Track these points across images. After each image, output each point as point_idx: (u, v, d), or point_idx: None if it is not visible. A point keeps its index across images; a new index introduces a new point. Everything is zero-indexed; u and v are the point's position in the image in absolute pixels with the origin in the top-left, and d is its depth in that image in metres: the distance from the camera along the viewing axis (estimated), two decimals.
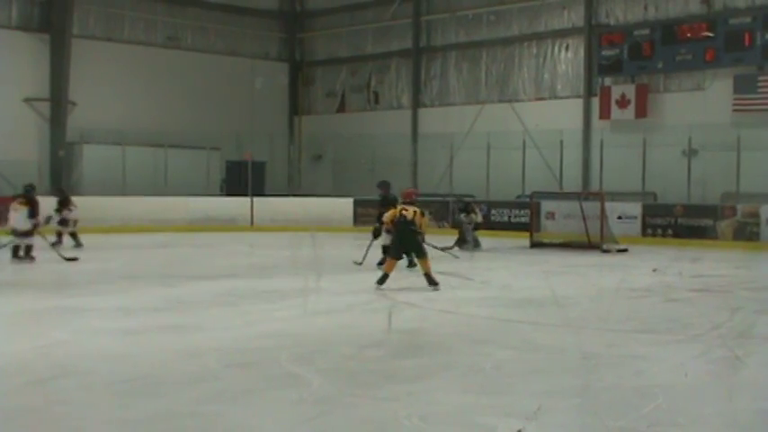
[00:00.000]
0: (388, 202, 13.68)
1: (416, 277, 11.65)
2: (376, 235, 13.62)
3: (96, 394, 5.84)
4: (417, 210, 11.43)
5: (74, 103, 25.67)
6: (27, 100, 25.28)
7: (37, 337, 7.88)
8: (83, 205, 19.88)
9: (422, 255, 11.30)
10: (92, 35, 26.65)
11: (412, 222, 11.26)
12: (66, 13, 25.54)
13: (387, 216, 11.85)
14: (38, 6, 25.67)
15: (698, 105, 21.77)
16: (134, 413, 5.39)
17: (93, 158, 25.17)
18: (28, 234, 14.37)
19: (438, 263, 13.89)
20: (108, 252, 17.10)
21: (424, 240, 11.53)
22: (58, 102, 25.47)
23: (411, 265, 12.57)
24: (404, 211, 11.37)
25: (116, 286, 11.61)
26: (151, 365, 6.71)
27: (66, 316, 9.13)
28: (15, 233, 14.41)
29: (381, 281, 11.13)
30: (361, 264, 13.78)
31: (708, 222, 19.43)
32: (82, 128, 25.19)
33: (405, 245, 11.43)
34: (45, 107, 25.57)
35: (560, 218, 20.62)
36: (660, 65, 22.59)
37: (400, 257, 11.65)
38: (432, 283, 11.12)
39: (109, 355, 7.11)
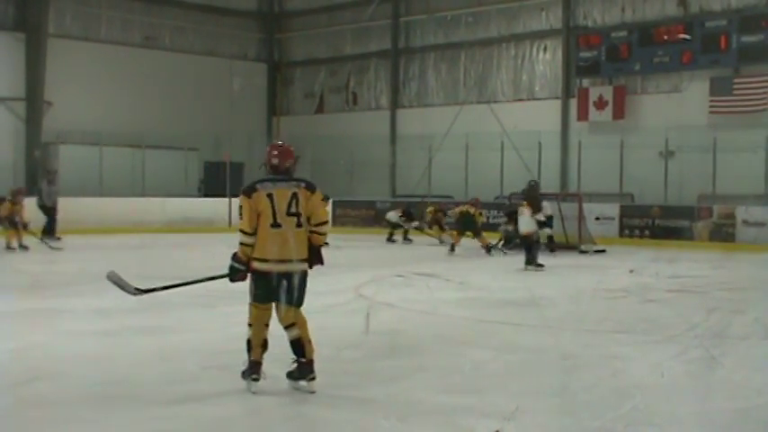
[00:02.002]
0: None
1: (404, 281, 11.62)
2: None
3: (72, 397, 5.78)
4: (476, 209, 17.27)
5: (50, 103, 25.37)
6: (2, 100, 24.94)
7: (12, 339, 7.80)
8: (59, 207, 19.81)
9: (479, 234, 17.14)
10: (68, 34, 26.35)
11: (473, 216, 17.07)
12: (41, 12, 25.24)
13: (456, 210, 17.60)
14: (13, 5, 25.32)
15: (675, 107, 21.86)
16: (110, 416, 5.34)
17: (69, 159, 24.83)
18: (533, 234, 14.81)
19: (419, 264, 13.98)
20: (85, 253, 16.97)
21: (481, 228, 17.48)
22: (33, 102, 25.15)
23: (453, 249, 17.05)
24: (469, 208, 17.17)
25: (92, 288, 11.47)
26: (128, 367, 6.66)
27: (41, 318, 9.04)
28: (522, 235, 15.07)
29: (452, 249, 16.96)
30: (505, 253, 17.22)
31: (684, 223, 19.56)
32: (58, 128, 24.89)
33: (467, 229, 17.17)
34: (20, 107, 25.25)
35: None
36: (637, 67, 22.68)
37: (464, 234, 17.13)
38: (488, 251, 16.89)
39: (85, 357, 7.05)
